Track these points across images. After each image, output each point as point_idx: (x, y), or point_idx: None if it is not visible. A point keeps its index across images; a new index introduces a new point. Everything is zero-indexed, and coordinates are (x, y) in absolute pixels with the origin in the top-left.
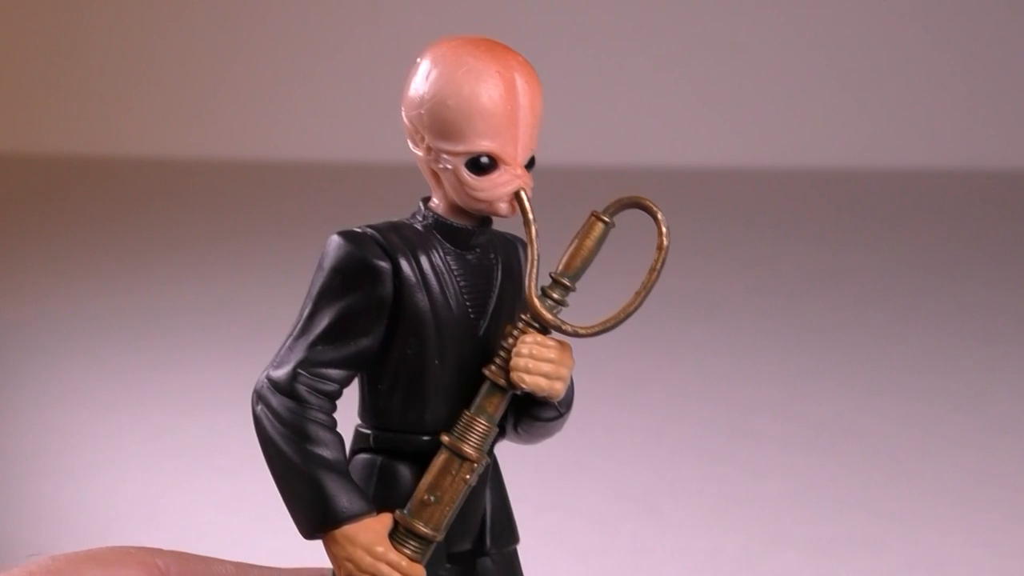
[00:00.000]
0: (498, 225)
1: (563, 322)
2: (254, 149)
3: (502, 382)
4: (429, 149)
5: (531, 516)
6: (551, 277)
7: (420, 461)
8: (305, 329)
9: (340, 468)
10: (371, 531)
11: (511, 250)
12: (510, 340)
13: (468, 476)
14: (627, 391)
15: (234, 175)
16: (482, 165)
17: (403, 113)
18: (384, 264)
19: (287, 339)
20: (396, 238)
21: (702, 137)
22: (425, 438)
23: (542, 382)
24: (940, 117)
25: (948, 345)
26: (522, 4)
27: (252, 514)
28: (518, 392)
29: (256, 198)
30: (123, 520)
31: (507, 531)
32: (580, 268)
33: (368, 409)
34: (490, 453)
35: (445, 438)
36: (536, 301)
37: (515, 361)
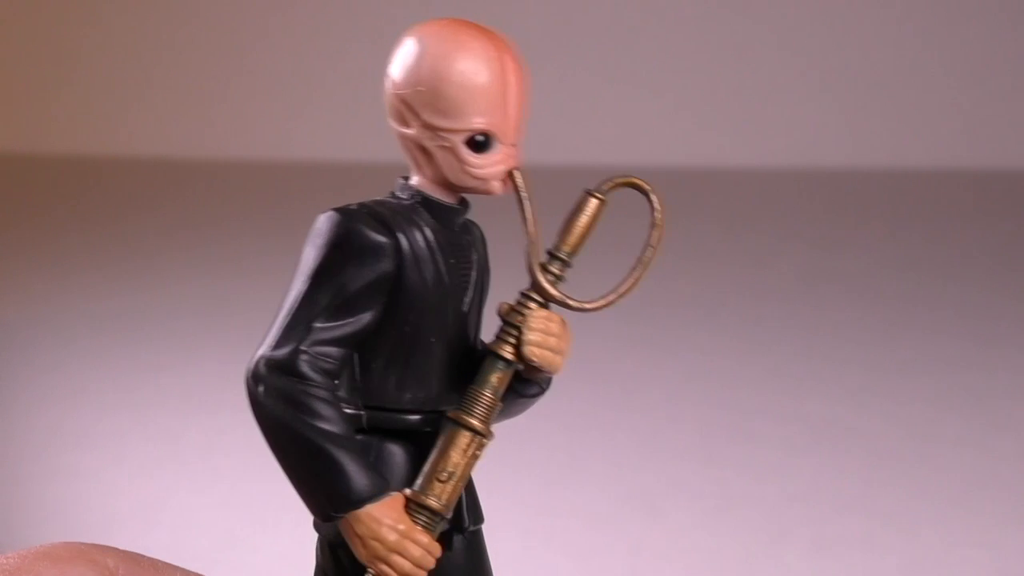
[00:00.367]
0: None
1: (568, 297)
2: (254, 149)
3: (511, 357)
4: (425, 126)
5: (531, 516)
6: (549, 253)
7: (410, 439)
8: (303, 307)
9: (354, 446)
10: (393, 509)
11: (476, 230)
12: (517, 316)
13: (479, 452)
14: (627, 392)
15: (234, 175)
16: (479, 143)
17: (393, 91)
18: (385, 240)
19: (282, 318)
20: (389, 214)
21: (702, 137)
22: (416, 416)
23: (550, 357)
24: (940, 117)
25: (948, 346)
26: (522, 4)
27: (252, 514)
28: (521, 367)
29: (256, 198)
30: (123, 520)
31: (478, 510)
32: (576, 244)
33: (358, 389)
34: None
35: (458, 415)
36: (541, 277)
37: (528, 336)
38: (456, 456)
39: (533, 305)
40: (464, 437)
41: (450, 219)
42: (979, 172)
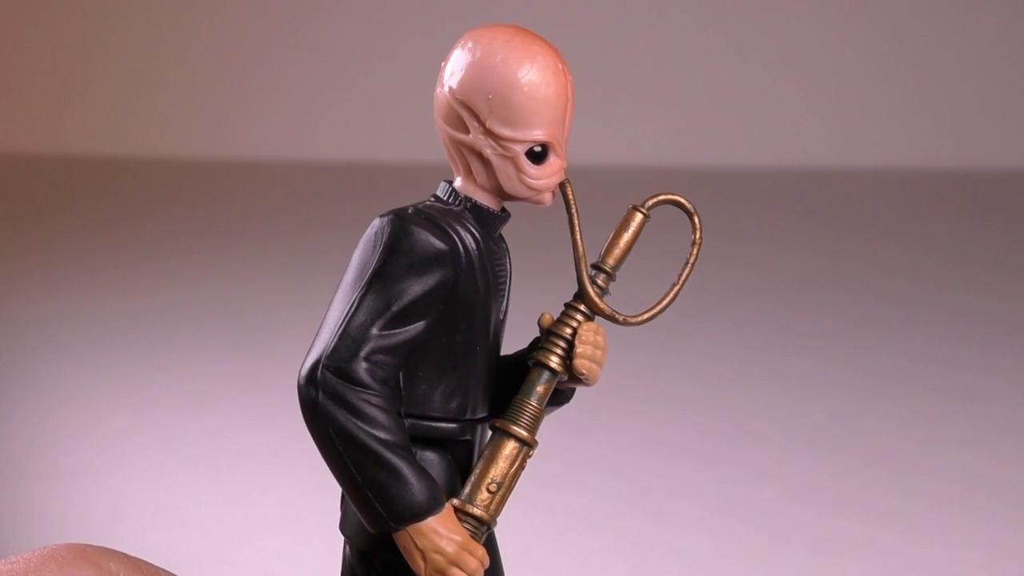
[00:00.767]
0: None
1: (616, 312)
2: (254, 149)
3: (560, 369)
4: (488, 133)
5: (531, 516)
6: (595, 266)
7: (447, 448)
8: (361, 313)
9: (413, 456)
10: (450, 520)
11: (504, 240)
12: (565, 328)
13: (525, 461)
14: (627, 391)
15: (234, 175)
16: (537, 154)
17: (453, 96)
18: (446, 246)
19: (337, 324)
20: (445, 220)
21: (702, 137)
22: (454, 425)
23: (597, 370)
24: (940, 117)
25: (948, 345)
26: (525, 4)
27: (252, 514)
28: (565, 378)
29: (256, 198)
30: (123, 520)
31: None
32: (621, 258)
33: (399, 397)
34: None
35: (506, 424)
36: (592, 292)
37: (582, 349)
38: (504, 466)
39: (580, 317)
40: (512, 447)
41: (495, 227)
42: (979, 172)
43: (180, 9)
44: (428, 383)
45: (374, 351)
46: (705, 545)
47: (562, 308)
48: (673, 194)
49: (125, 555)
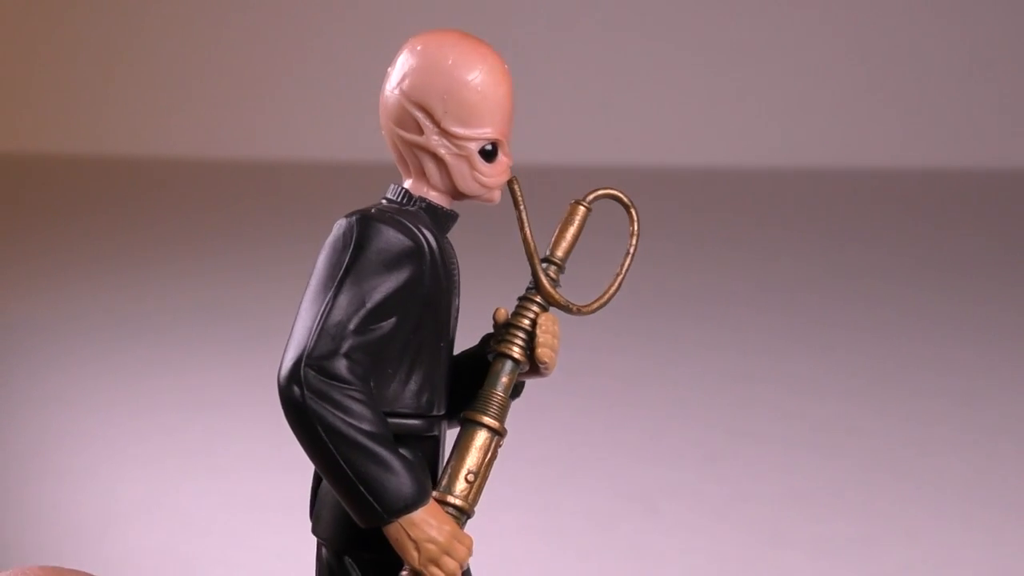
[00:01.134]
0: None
1: (570, 302)
2: (254, 149)
3: (523, 359)
4: (444, 133)
5: (531, 516)
6: (547, 260)
7: (414, 443)
8: (336, 312)
9: (397, 449)
10: (439, 510)
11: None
12: (525, 321)
13: (498, 450)
14: (627, 390)
15: (234, 175)
16: (488, 152)
17: (405, 98)
18: (414, 244)
19: (312, 323)
20: (408, 219)
21: (702, 137)
22: (424, 421)
23: (555, 358)
24: (940, 117)
25: (948, 344)
26: (522, 3)
27: (252, 514)
28: (526, 368)
29: (256, 198)
30: (122, 521)
31: None
32: (569, 250)
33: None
34: None
35: (477, 416)
36: (547, 284)
37: (544, 339)
38: (479, 456)
39: (536, 309)
40: (485, 437)
41: (448, 226)
42: (979, 172)
43: (180, 9)
44: (398, 380)
45: (353, 348)
46: (705, 545)
47: (516, 301)
48: (612, 188)
49: None
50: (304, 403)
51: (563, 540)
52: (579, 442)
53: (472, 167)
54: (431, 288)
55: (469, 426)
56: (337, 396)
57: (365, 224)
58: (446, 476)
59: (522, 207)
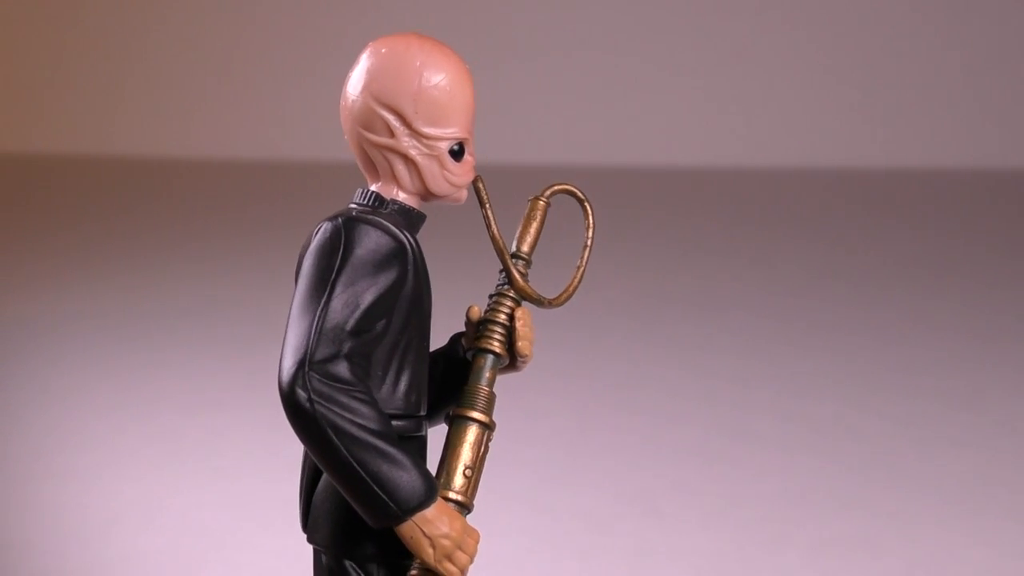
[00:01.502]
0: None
1: (542, 296)
2: (253, 149)
3: (503, 353)
4: (415, 135)
5: (531, 516)
6: (515, 256)
7: (405, 443)
8: (331, 315)
9: (403, 446)
10: (447, 506)
11: None
12: (501, 316)
13: (489, 444)
14: (626, 391)
15: (234, 175)
16: (458, 152)
17: (379, 99)
18: (399, 244)
19: (309, 327)
20: (389, 221)
21: (702, 137)
22: (414, 421)
23: (532, 350)
24: (940, 117)
25: (948, 345)
26: (521, 4)
27: (252, 514)
28: (506, 362)
29: (256, 198)
30: (123, 521)
31: None
32: (534, 244)
33: None
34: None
35: (467, 412)
36: (519, 278)
37: (522, 332)
38: (474, 451)
39: (511, 303)
40: (477, 432)
41: (418, 227)
42: (979, 172)
43: (180, 9)
44: (389, 382)
45: (352, 350)
46: (705, 545)
47: (489, 297)
48: (567, 184)
49: None
50: (312, 408)
51: (563, 541)
52: (579, 443)
53: (442, 167)
54: (416, 288)
55: (460, 422)
56: (344, 398)
57: (352, 227)
58: (444, 473)
59: (487, 205)
